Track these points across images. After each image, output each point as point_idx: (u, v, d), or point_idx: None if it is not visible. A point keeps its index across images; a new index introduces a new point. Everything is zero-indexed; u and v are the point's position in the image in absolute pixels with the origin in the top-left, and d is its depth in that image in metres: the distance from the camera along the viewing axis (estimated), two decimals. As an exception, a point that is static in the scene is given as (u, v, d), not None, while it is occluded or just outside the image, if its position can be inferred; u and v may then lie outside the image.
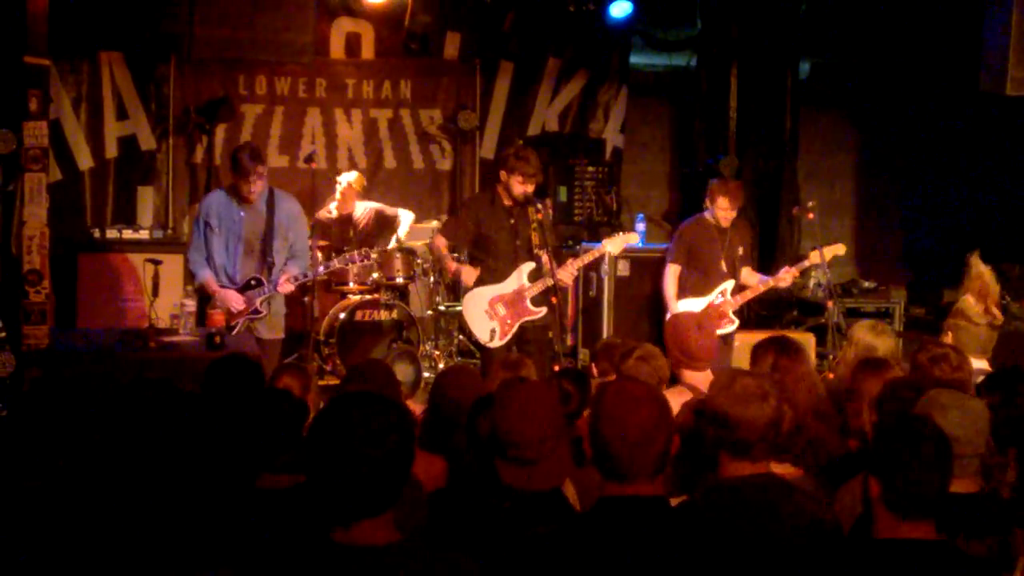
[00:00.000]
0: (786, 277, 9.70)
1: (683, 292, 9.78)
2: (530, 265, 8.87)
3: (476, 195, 9.32)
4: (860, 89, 13.52)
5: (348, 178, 11.03)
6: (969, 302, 7.03)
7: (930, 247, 13.34)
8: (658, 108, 13.65)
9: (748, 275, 9.94)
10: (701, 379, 6.15)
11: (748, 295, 9.80)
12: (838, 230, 13.58)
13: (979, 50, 9.63)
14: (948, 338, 6.84)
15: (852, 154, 14.20)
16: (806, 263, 9.77)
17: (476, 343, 9.32)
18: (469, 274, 8.96)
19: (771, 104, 12.66)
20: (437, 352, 11.05)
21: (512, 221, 8.86)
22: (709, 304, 9.62)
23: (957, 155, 13.46)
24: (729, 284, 9.75)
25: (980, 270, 7.15)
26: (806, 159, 13.28)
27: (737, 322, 9.78)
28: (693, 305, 9.57)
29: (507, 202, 8.86)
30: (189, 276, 9.03)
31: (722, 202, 9.68)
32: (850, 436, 5.24)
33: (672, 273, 9.84)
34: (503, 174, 8.83)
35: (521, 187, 8.72)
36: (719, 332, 9.23)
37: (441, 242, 9.33)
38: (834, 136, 14.05)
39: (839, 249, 9.78)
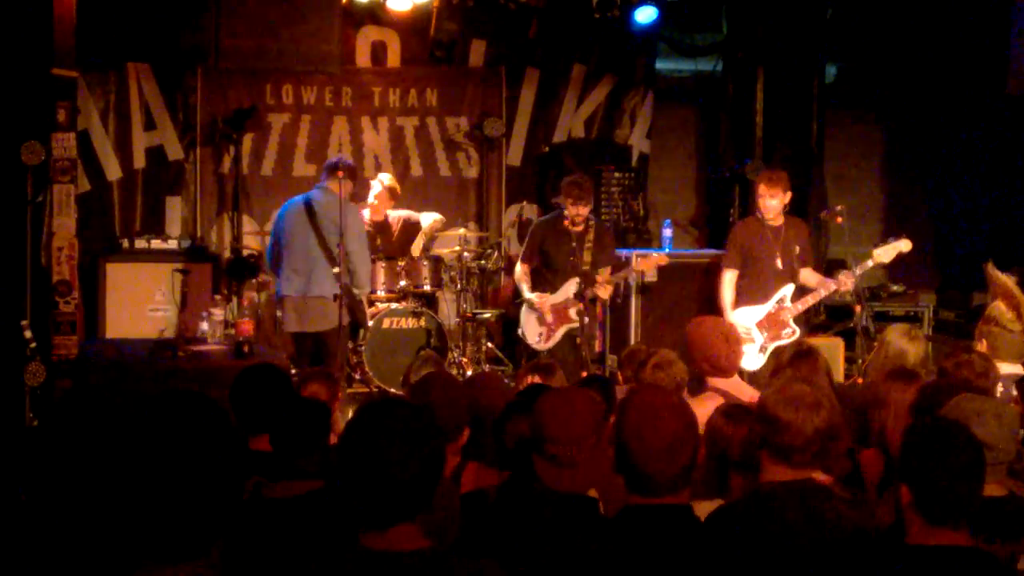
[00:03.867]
0: (847, 281, 9.21)
1: (739, 298, 9.38)
2: (577, 280, 9.52)
3: (544, 218, 9.79)
4: (887, 93, 13.48)
5: (384, 179, 10.96)
6: (1001, 308, 7.00)
7: (959, 250, 13.27)
8: (684, 113, 13.64)
9: (808, 275, 9.44)
10: (731, 384, 6.14)
11: (809, 301, 9.30)
12: (866, 234, 13.52)
13: (1006, 53, 9.60)
14: (982, 344, 6.80)
15: (879, 158, 14.15)
16: (869, 263, 9.26)
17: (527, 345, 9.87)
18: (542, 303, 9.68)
19: (797, 108, 12.62)
20: (465, 359, 11.04)
21: (573, 244, 9.56)
22: (768, 314, 9.26)
23: (985, 158, 13.39)
24: (788, 289, 9.29)
25: (1001, 279, 7.12)
26: (833, 163, 13.23)
27: (798, 331, 9.28)
28: (751, 314, 9.26)
29: (567, 224, 9.57)
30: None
31: (761, 189, 9.36)
32: (870, 446, 5.21)
33: (728, 280, 9.47)
34: (561, 198, 9.64)
35: (573, 208, 9.46)
36: (780, 343, 9.17)
37: (524, 270, 9.88)
38: (861, 140, 14.00)
39: (904, 246, 9.26)
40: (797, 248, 9.43)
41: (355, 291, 9.53)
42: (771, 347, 9.17)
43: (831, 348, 10.29)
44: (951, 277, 13.25)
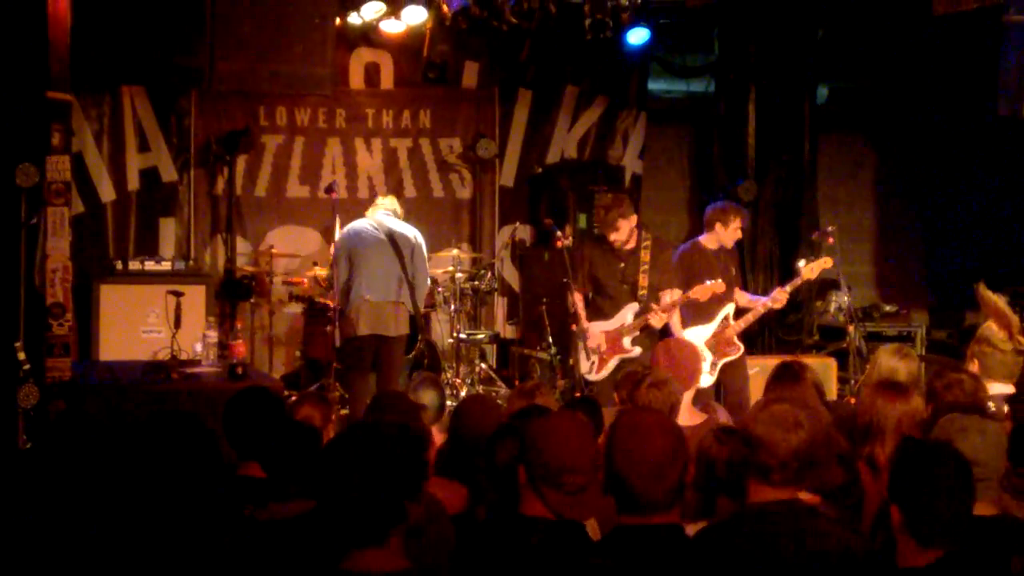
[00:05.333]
0: (780, 298, 9.51)
1: (686, 320, 9.53)
2: (634, 306, 9.17)
3: (590, 241, 9.47)
4: (878, 113, 13.53)
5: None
6: (993, 328, 7.00)
7: (951, 270, 13.30)
8: (677, 134, 13.68)
9: (738, 295, 9.78)
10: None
11: (750, 318, 9.58)
12: (858, 254, 13.57)
13: (996, 74, 9.63)
14: (974, 364, 6.80)
15: (871, 178, 14.18)
16: (798, 280, 9.55)
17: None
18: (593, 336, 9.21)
19: (789, 129, 12.68)
20: (458, 380, 11.06)
21: (622, 265, 9.20)
22: (714, 333, 9.45)
23: (976, 178, 13.44)
24: (730, 308, 9.57)
25: (992, 299, 7.14)
26: (825, 184, 13.27)
27: (742, 348, 9.59)
28: (700, 333, 9.40)
29: (617, 245, 9.18)
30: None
31: (738, 222, 9.63)
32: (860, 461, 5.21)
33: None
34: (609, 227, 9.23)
35: (628, 225, 9.14)
36: (727, 359, 9.41)
37: (578, 298, 9.29)
38: (853, 160, 14.05)
39: (826, 263, 9.58)
40: (733, 270, 9.77)
41: (418, 302, 10.11)
42: (720, 363, 9.43)
43: (824, 368, 10.31)
44: (944, 297, 13.27)
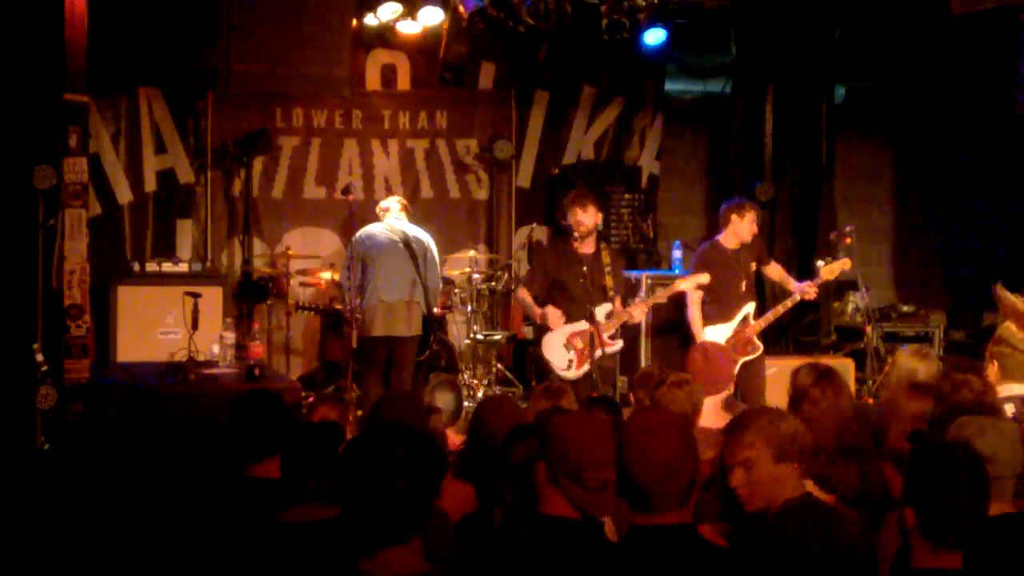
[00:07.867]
0: (810, 291, 9.60)
1: (706, 319, 9.61)
2: (607, 307, 9.05)
3: (547, 244, 9.34)
4: (896, 113, 13.49)
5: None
6: (1011, 328, 6.97)
7: (969, 271, 13.26)
8: (694, 135, 13.66)
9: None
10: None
11: (770, 318, 9.66)
12: (876, 255, 13.54)
13: (1014, 73, 9.60)
14: (993, 365, 6.77)
15: (889, 178, 14.15)
16: (818, 280, 9.66)
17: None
18: (555, 318, 8.98)
19: (807, 129, 12.64)
20: (476, 381, 11.06)
21: (585, 268, 8.98)
22: (734, 331, 9.51)
23: (995, 178, 13.39)
24: (750, 307, 9.63)
25: (1010, 299, 7.12)
26: (843, 184, 13.23)
27: (761, 347, 9.62)
28: (719, 332, 9.47)
29: (579, 249, 9.03)
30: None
31: (753, 214, 9.69)
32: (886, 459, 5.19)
33: (696, 299, 9.62)
34: (569, 216, 9.11)
35: (583, 215, 8.98)
36: (746, 358, 9.39)
37: (524, 293, 9.23)
38: (871, 161, 14.01)
39: (845, 265, 9.70)
40: (753, 265, 9.83)
41: (431, 304, 10.31)
42: (739, 362, 9.34)
43: (841, 368, 10.25)
44: (961, 297, 13.23)
